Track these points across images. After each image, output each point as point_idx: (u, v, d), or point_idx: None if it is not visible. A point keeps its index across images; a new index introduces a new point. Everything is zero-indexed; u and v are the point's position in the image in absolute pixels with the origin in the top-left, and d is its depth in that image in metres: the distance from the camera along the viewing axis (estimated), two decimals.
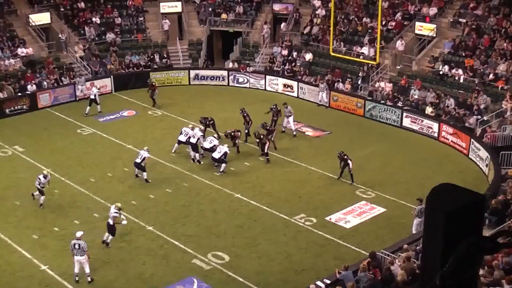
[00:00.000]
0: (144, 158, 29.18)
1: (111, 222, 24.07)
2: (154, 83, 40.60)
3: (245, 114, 34.25)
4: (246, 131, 34.01)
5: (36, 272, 22.63)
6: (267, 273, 22.54)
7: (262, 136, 31.70)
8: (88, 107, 38.34)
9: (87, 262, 21.79)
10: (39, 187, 27.22)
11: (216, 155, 30.34)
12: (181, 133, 32.25)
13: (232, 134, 32.60)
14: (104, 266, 22.95)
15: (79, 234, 22.01)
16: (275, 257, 23.55)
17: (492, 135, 31.83)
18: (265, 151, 31.42)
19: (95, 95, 38.64)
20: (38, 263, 23.11)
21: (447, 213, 3.69)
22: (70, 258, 21.97)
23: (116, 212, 24.32)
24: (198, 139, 31.44)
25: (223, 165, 30.44)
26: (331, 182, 29.73)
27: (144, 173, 29.40)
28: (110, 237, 24.19)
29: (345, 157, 29.00)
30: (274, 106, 35.04)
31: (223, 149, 30.37)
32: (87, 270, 21.82)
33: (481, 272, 16.37)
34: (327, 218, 26.27)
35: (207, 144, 31.34)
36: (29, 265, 23.06)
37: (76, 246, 21.63)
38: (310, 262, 23.21)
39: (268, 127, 32.88)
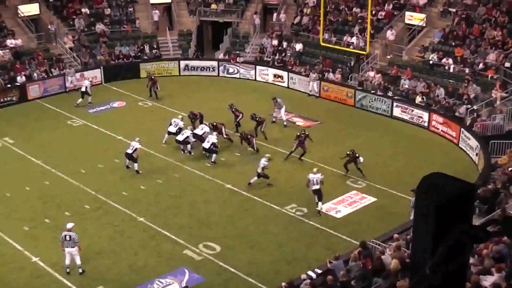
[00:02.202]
0: (135, 149, 29.19)
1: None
2: (154, 77, 40.40)
3: (233, 110, 34.24)
4: (235, 123, 34.02)
5: (27, 263, 22.62)
6: (259, 263, 22.60)
7: (249, 136, 31.59)
8: (81, 99, 38.26)
9: (78, 253, 21.77)
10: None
11: (206, 145, 30.39)
12: (170, 124, 32.26)
13: (214, 124, 32.38)
14: (95, 257, 22.95)
15: (70, 225, 21.97)
16: (266, 247, 23.61)
17: (482, 124, 31.92)
18: (255, 148, 31.38)
19: (86, 87, 38.54)
20: (29, 255, 23.09)
21: (437, 202, 3.71)
22: (61, 250, 21.94)
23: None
24: (187, 136, 31.35)
25: (213, 155, 30.46)
26: (321, 171, 29.71)
27: (135, 164, 29.39)
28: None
29: (356, 155, 28.84)
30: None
31: (211, 139, 30.42)
32: (78, 262, 21.81)
33: (471, 260, 16.45)
34: (318, 208, 26.30)
35: (198, 131, 31.47)
36: (20, 256, 23.04)
37: (67, 238, 21.59)
38: (301, 252, 23.27)
39: (257, 118, 32.84)
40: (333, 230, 24.77)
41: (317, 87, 39.90)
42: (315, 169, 26.58)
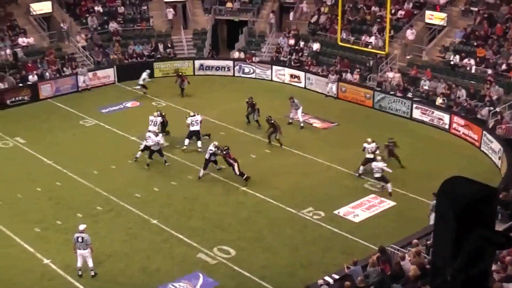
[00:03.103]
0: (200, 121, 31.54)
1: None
2: (181, 73, 40.75)
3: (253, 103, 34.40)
4: (256, 120, 34.17)
5: (38, 265, 22.73)
6: (273, 267, 22.59)
7: (273, 121, 31.97)
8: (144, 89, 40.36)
9: (91, 255, 21.86)
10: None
11: (207, 155, 29.72)
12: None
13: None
14: (107, 260, 23.02)
15: (82, 227, 22.06)
16: (281, 251, 23.59)
17: (505, 126, 31.74)
18: (238, 173, 28.83)
19: (143, 80, 40.45)
20: (41, 257, 23.20)
21: (459, 206, 3.70)
22: (73, 251, 22.02)
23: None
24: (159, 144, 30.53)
25: (199, 141, 31.64)
26: (339, 175, 29.72)
27: (199, 142, 31.26)
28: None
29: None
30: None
31: (210, 150, 29.70)
32: (90, 264, 21.90)
33: (494, 267, 16.36)
34: (336, 212, 26.28)
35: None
36: (31, 258, 23.15)
37: (80, 240, 21.69)
38: (317, 257, 23.23)
39: (272, 121, 32.66)
40: (350, 234, 24.70)
41: (335, 89, 39.79)
42: (369, 139, 29.24)
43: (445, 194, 3.84)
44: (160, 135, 31.17)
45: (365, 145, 29.14)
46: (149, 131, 30.71)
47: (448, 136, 34.20)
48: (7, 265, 22.85)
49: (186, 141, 31.97)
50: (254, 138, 33.54)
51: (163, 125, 32.98)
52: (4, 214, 26.40)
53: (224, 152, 28.70)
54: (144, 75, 40.51)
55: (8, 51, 41.23)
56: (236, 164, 28.55)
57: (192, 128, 31.80)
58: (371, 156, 28.69)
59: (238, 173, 28.53)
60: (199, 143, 31.82)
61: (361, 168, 29.23)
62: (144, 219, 25.85)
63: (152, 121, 31.96)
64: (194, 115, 32.09)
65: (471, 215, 3.71)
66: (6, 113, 37.64)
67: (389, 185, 27.75)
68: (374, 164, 27.71)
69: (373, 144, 29.05)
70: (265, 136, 33.19)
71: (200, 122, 31.94)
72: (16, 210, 26.71)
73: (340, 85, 39.84)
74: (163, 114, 33.29)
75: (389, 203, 27.14)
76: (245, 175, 28.55)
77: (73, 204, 27.11)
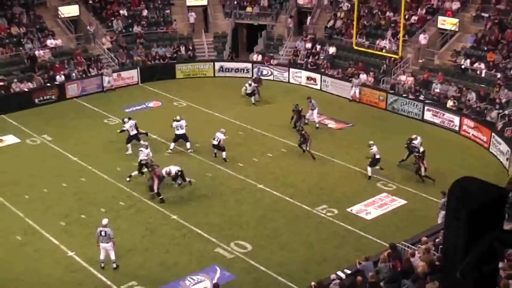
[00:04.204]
0: (219, 140, 30.32)
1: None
2: (260, 79, 40.42)
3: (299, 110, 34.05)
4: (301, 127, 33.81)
5: (63, 258, 22.80)
6: (289, 263, 22.52)
7: (304, 134, 31.06)
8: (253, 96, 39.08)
9: (113, 249, 21.90)
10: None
11: (214, 142, 30.51)
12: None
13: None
14: (127, 254, 23.02)
15: (105, 221, 22.11)
16: (297, 248, 23.51)
17: None
18: (156, 190, 27.44)
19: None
20: (65, 249, 23.28)
21: (469, 206, 3.63)
22: (97, 245, 22.06)
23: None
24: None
25: (223, 152, 30.60)
26: (352, 174, 29.62)
27: (223, 153, 30.47)
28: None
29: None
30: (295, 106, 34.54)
31: (219, 136, 30.48)
32: (113, 257, 21.94)
33: (500, 265, 16.22)
34: (349, 210, 26.21)
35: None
36: (56, 251, 23.24)
37: (102, 233, 21.73)
38: (331, 253, 23.15)
39: (303, 132, 31.38)
40: (363, 231, 24.60)
41: (359, 92, 39.55)
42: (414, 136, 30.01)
43: (456, 194, 3.77)
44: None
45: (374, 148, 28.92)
46: (141, 144, 29.89)
47: (458, 138, 34.02)
48: (34, 256, 22.95)
49: (172, 145, 31.77)
50: (272, 138, 33.46)
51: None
52: (32, 208, 26.50)
53: (150, 169, 27.49)
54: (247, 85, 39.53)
55: (38, 52, 41.42)
56: (156, 182, 26.83)
57: (177, 132, 31.49)
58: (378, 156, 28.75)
59: (155, 190, 26.86)
60: (187, 145, 31.50)
61: (369, 170, 29.07)
62: (164, 214, 25.85)
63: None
64: (179, 120, 31.68)
65: (483, 215, 3.63)
66: (34, 111, 37.80)
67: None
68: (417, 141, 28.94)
69: (374, 147, 28.84)
70: (282, 136, 33.16)
71: (185, 126, 31.54)
72: (42, 205, 26.81)
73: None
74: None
75: (400, 202, 27.01)
76: (161, 197, 26.83)
77: (97, 199, 27.18)
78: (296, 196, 27.41)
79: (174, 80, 43.26)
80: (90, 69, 42.13)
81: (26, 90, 38.84)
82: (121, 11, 47.16)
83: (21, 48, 41.54)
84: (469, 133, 33.83)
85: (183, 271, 22.04)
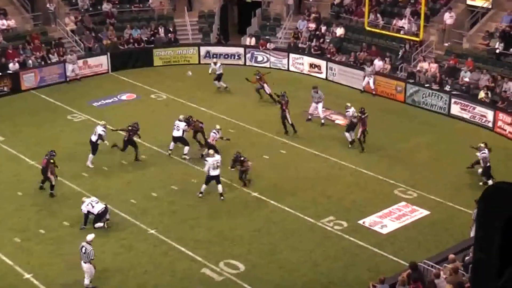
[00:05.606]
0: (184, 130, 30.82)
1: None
2: (261, 76, 39.57)
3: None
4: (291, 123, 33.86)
5: (18, 281, 22.77)
6: (289, 286, 22.59)
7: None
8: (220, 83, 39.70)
9: (89, 272, 21.91)
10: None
11: (176, 133, 30.88)
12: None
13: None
14: (100, 275, 22.95)
15: (89, 237, 22.27)
16: (298, 267, 23.57)
17: None
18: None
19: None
20: (21, 271, 23.24)
21: (505, 216, 3.68)
22: (59, 265, 22.08)
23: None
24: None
25: (186, 147, 31.09)
26: (364, 179, 29.68)
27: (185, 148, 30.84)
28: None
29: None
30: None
31: (181, 126, 30.87)
32: (86, 281, 21.94)
33: None
34: (360, 222, 26.26)
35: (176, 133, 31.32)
36: (10, 273, 23.20)
37: (83, 250, 21.78)
38: (339, 274, 23.22)
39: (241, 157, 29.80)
40: (377, 248, 24.67)
41: (374, 82, 39.49)
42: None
43: (489, 202, 3.82)
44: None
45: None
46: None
47: (492, 136, 34.00)
48: None
49: (171, 145, 31.80)
50: (267, 137, 33.52)
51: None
52: None
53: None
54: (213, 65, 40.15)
55: None
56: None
57: (173, 133, 31.44)
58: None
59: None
60: (185, 149, 31.52)
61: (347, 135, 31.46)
62: (141, 228, 25.88)
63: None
64: (181, 120, 31.51)
65: None
66: None
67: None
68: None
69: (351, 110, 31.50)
70: (282, 136, 33.21)
71: (185, 128, 31.48)
72: None
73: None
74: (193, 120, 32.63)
75: (422, 212, 27.07)
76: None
77: (59, 210, 27.16)
78: (298, 206, 27.46)
79: (151, 68, 43.26)
80: (50, 55, 42.01)
81: None
82: None
83: None
84: (505, 130, 33.93)
85: None
